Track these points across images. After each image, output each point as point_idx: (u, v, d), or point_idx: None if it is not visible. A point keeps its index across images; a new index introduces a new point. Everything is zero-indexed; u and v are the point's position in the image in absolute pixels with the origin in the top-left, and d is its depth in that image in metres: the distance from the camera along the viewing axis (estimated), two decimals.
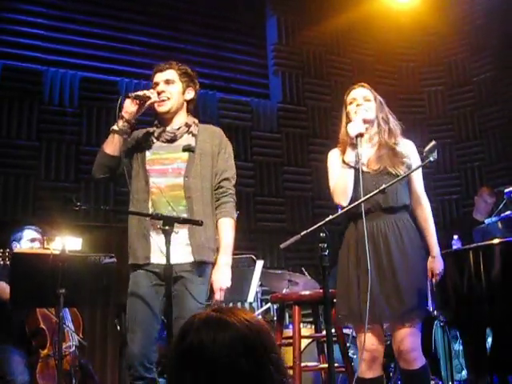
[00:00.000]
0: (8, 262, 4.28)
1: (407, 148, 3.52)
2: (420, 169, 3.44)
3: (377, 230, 3.32)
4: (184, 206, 3.34)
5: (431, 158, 3.18)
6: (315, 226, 3.00)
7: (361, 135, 3.33)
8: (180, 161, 3.40)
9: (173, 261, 3.09)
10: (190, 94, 3.55)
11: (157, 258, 3.28)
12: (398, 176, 3.32)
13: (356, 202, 3.20)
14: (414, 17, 8.32)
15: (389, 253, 3.29)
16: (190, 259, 3.30)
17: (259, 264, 5.02)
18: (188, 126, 3.49)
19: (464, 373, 5.36)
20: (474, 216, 6.87)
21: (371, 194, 3.15)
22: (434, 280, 3.50)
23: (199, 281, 3.30)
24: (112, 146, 3.33)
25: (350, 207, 3.21)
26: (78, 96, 6.76)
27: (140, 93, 3.37)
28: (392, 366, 4.98)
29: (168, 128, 3.46)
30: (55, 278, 3.73)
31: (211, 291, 3.38)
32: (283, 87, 8.04)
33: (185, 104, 3.54)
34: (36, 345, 4.81)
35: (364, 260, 3.24)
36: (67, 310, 4.92)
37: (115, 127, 3.33)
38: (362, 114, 3.42)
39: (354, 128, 3.36)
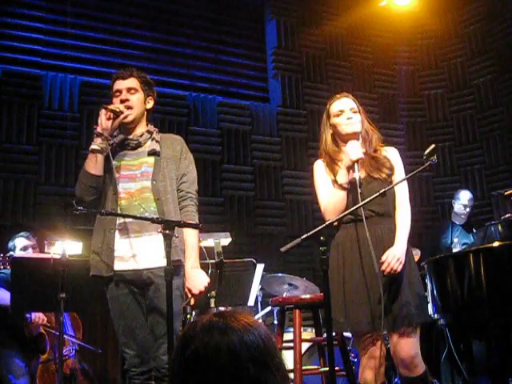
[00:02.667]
0: (8, 267, 4.28)
1: (389, 153, 3.51)
2: (403, 175, 3.44)
3: (369, 237, 3.23)
4: (154, 207, 3.33)
5: (431, 162, 3.19)
6: (315, 230, 3.01)
7: (359, 160, 3.29)
8: (147, 165, 3.40)
9: (144, 265, 3.16)
10: (150, 104, 3.55)
11: (128, 265, 3.27)
12: (383, 180, 3.34)
13: (352, 208, 3.19)
14: (413, 20, 8.34)
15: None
16: (163, 263, 3.18)
17: (259, 268, 5.02)
18: (150, 132, 3.49)
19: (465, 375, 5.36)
20: (452, 219, 6.85)
21: (371, 198, 3.15)
22: (389, 262, 3.20)
23: (174, 285, 3.20)
24: (96, 166, 3.30)
25: (348, 211, 3.20)
26: (77, 100, 6.76)
27: (112, 106, 3.35)
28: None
29: (130, 136, 3.45)
30: (56, 282, 3.73)
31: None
32: (283, 91, 8.04)
33: (145, 113, 3.53)
34: (36, 349, 4.82)
35: (358, 267, 3.25)
36: (67, 313, 4.93)
37: (95, 147, 3.29)
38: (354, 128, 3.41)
39: (353, 153, 3.28)
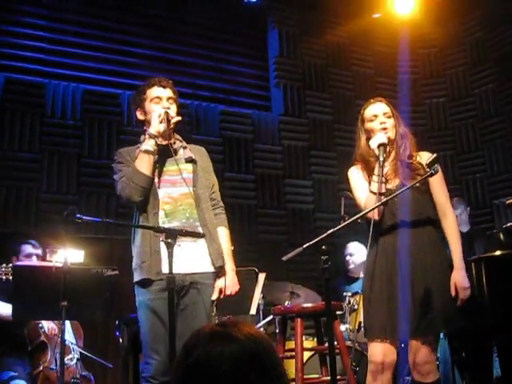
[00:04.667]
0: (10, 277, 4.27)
1: (423, 159, 3.46)
2: (441, 180, 3.42)
3: (401, 245, 3.29)
4: (196, 214, 3.41)
5: (433, 171, 3.19)
6: (318, 239, 3.01)
7: (383, 145, 3.31)
8: (186, 172, 3.47)
9: (193, 269, 3.22)
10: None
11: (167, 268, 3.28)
12: (418, 188, 3.33)
13: (355, 217, 3.19)
14: (414, 29, 8.35)
15: (417, 267, 3.28)
16: (211, 268, 3.39)
17: (261, 277, 5.02)
18: (180, 141, 3.58)
19: None
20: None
21: (370, 209, 3.16)
22: (459, 296, 3.28)
23: (211, 290, 3.39)
24: (148, 166, 3.33)
25: (351, 220, 3.20)
26: (80, 109, 6.76)
27: (165, 110, 3.41)
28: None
29: (165, 143, 3.46)
30: (57, 290, 3.72)
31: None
32: (284, 99, 8.05)
33: None
34: (37, 357, 4.81)
35: (386, 275, 3.26)
36: (68, 321, 4.92)
37: (149, 148, 3.33)
38: (388, 134, 3.40)
39: (375, 140, 3.35)
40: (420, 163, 3.45)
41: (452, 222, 3.44)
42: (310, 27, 8.38)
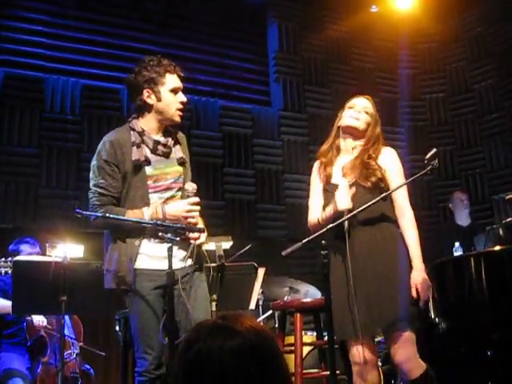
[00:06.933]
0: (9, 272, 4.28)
1: (386, 158, 3.46)
2: (400, 178, 3.39)
3: (358, 244, 3.26)
4: None
5: (432, 166, 3.18)
6: (317, 234, 3.01)
7: (348, 211, 3.21)
8: (178, 174, 3.35)
9: (176, 265, 3.13)
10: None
11: (160, 264, 3.21)
12: (369, 188, 3.31)
13: (347, 216, 3.18)
14: (414, 24, 8.35)
15: (370, 265, 3.26)
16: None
17: (261, 271, 5.01)
18: (171, 133, 3.39)
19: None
20: (457, 223, 6.79)
21: (354, 212, 3.15)
22: (421, 298, 3.23)
23: (204, 284, 3.36)
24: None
25: (345, 219, 3.18)
26: (79, 104, 6.76)
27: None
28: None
29: (161, 140, 3.31)
30: (57, 285, 3.73)
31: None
32: (284, 94, 8.05)
33: None
34: (36, 352, 4.81)
35: (348, 274, 3.24)
36: (68, 316, 4.92)
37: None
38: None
39: (342, 203, 3.23)
40: (378, 165, 3.40)
41: (410, 221, 3.37)
42: (310, 22, 8.37)
